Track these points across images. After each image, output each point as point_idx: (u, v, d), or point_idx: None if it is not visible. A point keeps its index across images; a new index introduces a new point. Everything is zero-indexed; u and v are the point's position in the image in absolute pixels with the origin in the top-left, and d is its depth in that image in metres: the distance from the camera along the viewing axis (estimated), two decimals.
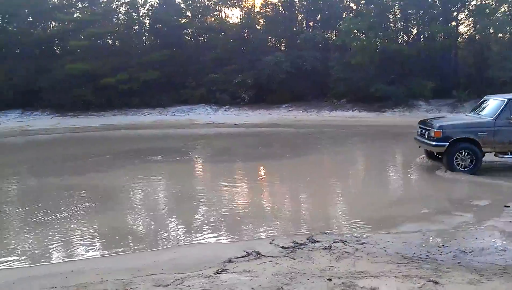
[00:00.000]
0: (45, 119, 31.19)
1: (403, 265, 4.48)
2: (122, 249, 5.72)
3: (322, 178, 10.01)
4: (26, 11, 36.93)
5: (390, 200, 7.92)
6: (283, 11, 35.11)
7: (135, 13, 36.99)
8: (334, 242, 5.25)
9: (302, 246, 5.14)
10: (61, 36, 35.95)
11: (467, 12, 29.02)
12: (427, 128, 9.65)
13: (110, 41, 37.40)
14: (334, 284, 3.96)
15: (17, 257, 5.51)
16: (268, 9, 35.47)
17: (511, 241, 5.15)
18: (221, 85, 32.24)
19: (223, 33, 35.62)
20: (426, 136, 9.62)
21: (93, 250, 5.75)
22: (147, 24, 37.38)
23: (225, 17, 37.35)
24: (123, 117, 30.94)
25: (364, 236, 5.50)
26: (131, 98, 32.47)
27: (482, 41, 28.64)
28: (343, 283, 3.97)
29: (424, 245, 5.16)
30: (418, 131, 10.27)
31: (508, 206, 6.65)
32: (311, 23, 35.50)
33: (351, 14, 32.13)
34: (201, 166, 12.98)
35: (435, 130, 9.24)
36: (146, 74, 32.37)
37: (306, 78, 30.88)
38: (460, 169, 9.09)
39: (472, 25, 29.65)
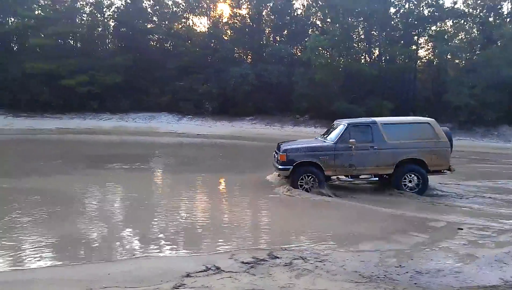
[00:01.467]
0: None
1: (362, 284, 4.52)
2: (74, 259, 5.43)
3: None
4: None
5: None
6: (251, 24, 35.43)
7: (100, 14, 36.18)
8: (294, 259, 5.23)
9: (263, 262, 5.09)
10: (20, 32, 34.56)
11: (427, 37, 30.45)
12: (277, 151, 9.84)
13: (72, 42, 36.33)
14: None
15: None
16: (236, 20, 35.70)
17: (465, 263, 5.31)
18: (185, 94, 31.97)
19: (189, 41, 35.48)
20: (276, 160, 9.80)
21: (43, 259, 5.42)
22: (112, 26, 36.65)
23: (192, 25, 37.23)
24: (81, 121, 30.03)
25: (323, 253, 5.51)
26: (91, 102, 31.55)
27: (440, 65, 30.08)
28: None
29: (381, 264, 5.23)
30: (274, 155, 10.25)
31: (461, 229, 6.88)
32: (277, 38, 36.01)
33: (316, 32, 32.85)
34: (160, 176, 12.72)
35: (280, 153, 9.48)
36: (108, 77, 31.61)
37: (271, 91, 31.22)
38: (306, 190, 9.18)
39: (431, 49, 31.14)
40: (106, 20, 36.26)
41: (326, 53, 30.46)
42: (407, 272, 4.93)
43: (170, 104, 32.34)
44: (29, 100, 30.69)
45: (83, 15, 36.40)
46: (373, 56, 33.06)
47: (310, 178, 9.23)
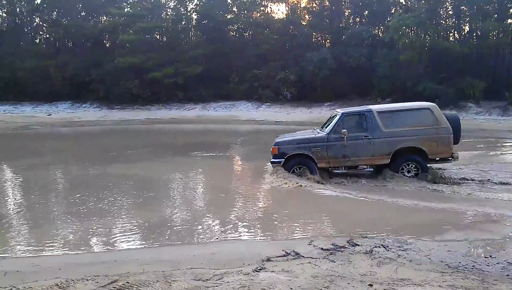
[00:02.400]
0: (93, 112, 32.47)
1: (448, 274, 4.30)
2: (162, 241, 5.84)
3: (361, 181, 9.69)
4: (80, 5, 38.50)
5: None
6: (330, 7, 34.64)
7: (183, 8, 37.75)
8: (375, 247, 5.11)
9: (342, 249, 5.04)
10: (111, 30, 37.22)
11: None
12: None
13: (158, 36, 38.39)
14: None
15: (62, 245, 5.76)
16: (315, 4, 35.11)
17: None
18: (264, 82, 32.30)
19: (267, 29, 35.64)
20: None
21: (134, 241, 5.90)
22: (194, 19, 38.04)
23: (270, 13, 37.36)
24: (167, 112, 31.65)
25: (406, 242, 5.32)
26: (176, 93, 33.17)
27: None
28: (384, 289, 3.87)
29: (469, 254, 4.92)
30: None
31: None
32: (358, 19, 34.85)
33: (400, 10, 31.24)
34: (241, 163, 13.05)
35: (273, 146, 9.42)
36: (191, 69, 32.95)
37: (350, 75, 30.36)
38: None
39: None
40: (189, 14, 37.69)
41: (411, 32, 28.87)
42: (498, 263, 4.59)
43: (249, 92, 32.89)
44: (120, 93, 33.03)
45: (168, 10, 38.22)
46: (463, 33, 30.70)
47: (302, 170, 9.13)
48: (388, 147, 8.87)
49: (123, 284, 4.04)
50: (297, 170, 9.18)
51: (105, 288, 3.98)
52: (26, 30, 40.83)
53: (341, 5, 34.84)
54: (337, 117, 9.21)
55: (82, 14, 39.40)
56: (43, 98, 34.26)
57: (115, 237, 6.01)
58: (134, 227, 6.39)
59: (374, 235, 5.60)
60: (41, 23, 41.11)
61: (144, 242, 5.86)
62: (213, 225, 6.50)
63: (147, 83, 33.12)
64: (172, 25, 37.44)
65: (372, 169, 9.74)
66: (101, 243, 5.86)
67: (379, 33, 33.05)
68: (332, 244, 5.20)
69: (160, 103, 33.48)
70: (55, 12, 40.13)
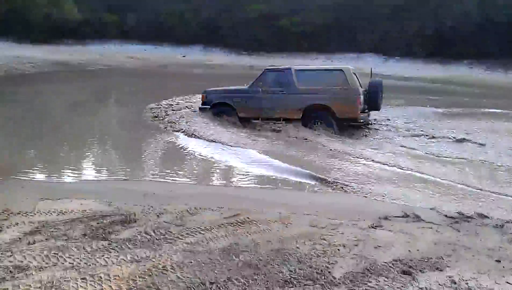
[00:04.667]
0: (222, 56, 33.95)
1: None
2: (279, 185, 6.09)
3: None
4: None
5: None
6: None
7: None
8: (507, 222, 4.65)
9: (469, 219, 4.69)
10: None
11: None
12: None
13: None
14: (504, 267, 3.55)
15: (194, 175, 6.35)
16: None
17: None
18: (395, 34, 30.31)
19: None
20: None
21: (252, 181, 6.26)
22: None
23: None
24: (291, 60, 31.64)
25: None
26: (301, 42, 32.96)
27: None
28: None
29: None
30: None
31: None
32: None
33: None
34: None
35: (201, 94, 10.46)
36: (319, 18, 32.23)
37: (497, 31, 26.75)
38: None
39: None
40: None
41: None
42: None
43: (378, 44, 31.23)
44: (248, 39, 33.89)
45: None
46: None
47: (223, 116, 9.96)
48: (300, 102, 9.41)
49: (243, 219, 4.32)
50: (218, 116, 9.97)
51: (228, 219, 4.30)
52: None
53: None
54: (261, 73, 9.96)
55: None
56: (179, 40, 36.78)
57: (241, 176, 6.43)
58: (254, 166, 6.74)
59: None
60: None
61: (261, 183, 6.18)
62: (332, 176, 6.49)
63: (275, 31, 33.34)
64: None
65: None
66: (228, 179, 6.33)
67: None
68: (458, 213, 4.86)
69: (285, 51, 33.63)
70: None
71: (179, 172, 6.69)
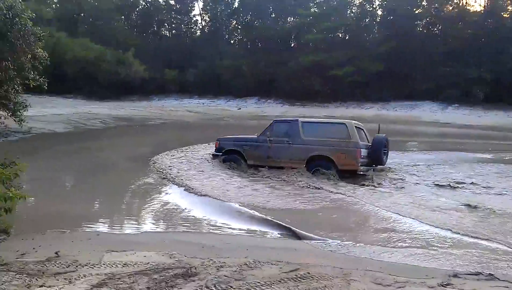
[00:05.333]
0: (276, 107, 34.63)
1: None
2: (340, 237, 5.91)
3: None
4: (271, 8, 41.50)
5: None
6: None
7: (368, 5, 37.25)
8: None
9: None
10: (297, 30, 39.15)
11: None
12: None
13: (341, 34, 38.73)
14: None
15: (248, 227, 6.34)
16: None
17: None
18: (452, 80, 29.61)
19: (460, 23, 32.45)
20: None
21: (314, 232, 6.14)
22: (379, 15, 37.15)
23: (465, 5, 33.89)
24: (344, 110, 31.69)
25: None
26: (354, 91, 33.08)
27: None
28: None
29: None
30: None
31: None
32: None
33: None
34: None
35: (216, 141, 11.18)
36: (372, 66, 32.39)
37: None
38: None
39: None
40: (374, 10, 37.04)
41: None
42: None
43: (434, 91, 30.59)
44: (302, 90, 34.52)
45: (353, 7, 38.25)
46: None
47: (233, 163, 10.54)
48: (304, 153, 9.87)
49: (304, 274, 4.22)
50: (229, 164, 10.59)
51: (288, 274, 4.22)
52: (223, 33, 45.94)
53: None
54: (270, 123, 10.61)
55: (272, 16, 42.33)
56: (235, 93, 38.16)
57: (297, 226, 6.33)
58: (317, 223, 6.63)
59: None
60: (236, 25, 45.71)
61: (323, 236, 6.03)
62: (399, 232, 6.21)
63: (328, 81, 33.79)
64: (356, 22, 37.29)
65: None
66: (285, 231, 6.23)
67: None
68: None
69: (338, 101, 33.80)
70: (249, 15, 44.07)
71: (234, 224, 6.69)
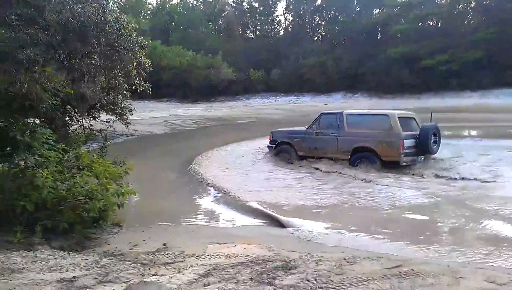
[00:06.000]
0: (363, 101, 33.64)
1: None
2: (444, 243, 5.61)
3: None
4: (355, 1, 40.46)
5: None
6: None
7: None
8: None
9: None
10: (384, 22, 37.67)
11: None
12: None
13: (431, 23, 36.57)
14: None
15: (352, 226, 6.24)
16: None
17: None
18: None
19: None
20: None
21: (411, 238, 5.87)
22: (473, 1, 34.43)
23: None
24: (439, 100, 29.88)
25: None
26: (448, 80, 30.98)
27: None
28: None
29: None
30: None
31: None
32: None
33: None
34: None
35: (270, 134, 11.92)
36: (468, 54, 30.16)
37: None
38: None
39: None
40: None
41: None
42: None
43: None
44: (390, 83, 33.12)
45: None
46: None
47: (285, 154, 11.25)
48: (349, 144, 10.07)
49: (407, 270, 4.07)
50: (282, 155, 11.38)
51: (390, 270, 4.10)
52: (307, 30, 45.72)
53: None
54: (317, 116, 10.91)
55: (357, 9, 41.23)
56: (320, 89, 37.81)
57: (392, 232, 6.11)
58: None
59: None
60: (319, 22, 45.24)
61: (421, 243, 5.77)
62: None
63: (418, 72, 32.09)
64: (448, 9, 34.91)
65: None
66: (385, 232, 6.07)
67: None
68: None
69: (430, 91, 31.90)
70: (332, 10, 43.39)
71: (330, 219, 6.63)
